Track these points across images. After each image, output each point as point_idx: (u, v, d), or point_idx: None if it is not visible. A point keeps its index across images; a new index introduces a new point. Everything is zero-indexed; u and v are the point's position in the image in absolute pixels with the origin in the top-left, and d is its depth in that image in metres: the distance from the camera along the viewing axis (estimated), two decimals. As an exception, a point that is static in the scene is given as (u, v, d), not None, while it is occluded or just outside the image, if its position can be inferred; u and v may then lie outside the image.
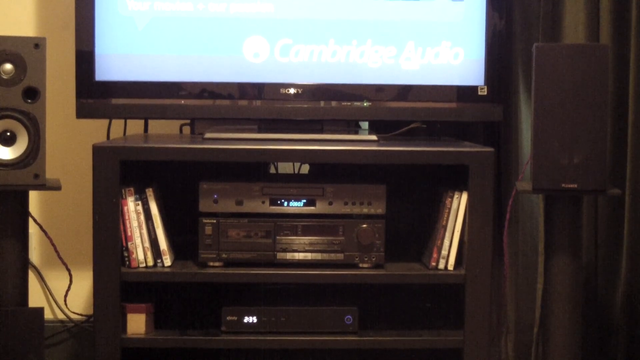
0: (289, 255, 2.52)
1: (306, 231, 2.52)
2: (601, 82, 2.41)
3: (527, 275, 2.90)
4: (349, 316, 2.53)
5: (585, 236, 2.79)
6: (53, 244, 2.65)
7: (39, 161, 2.42)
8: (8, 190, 2.43)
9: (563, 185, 2.42)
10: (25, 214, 2.49)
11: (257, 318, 2.51)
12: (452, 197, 2.51)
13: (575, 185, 2.42)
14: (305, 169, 2.95)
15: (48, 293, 3.10)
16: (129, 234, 2.48)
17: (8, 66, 2.41)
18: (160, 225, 2.50)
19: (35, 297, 3.00)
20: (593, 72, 2.40)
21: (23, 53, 2.41)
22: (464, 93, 2.72)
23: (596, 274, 2.86)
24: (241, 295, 2.62)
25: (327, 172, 2.78)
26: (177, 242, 2.61)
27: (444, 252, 2.52)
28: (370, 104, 2.71)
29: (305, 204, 2.53)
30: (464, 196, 2.49)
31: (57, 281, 3.06)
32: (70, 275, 2.74)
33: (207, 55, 2.69)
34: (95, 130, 2.91)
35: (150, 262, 2.50)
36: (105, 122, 2.87)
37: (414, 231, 2.77)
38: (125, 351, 2.49)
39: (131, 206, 2.48)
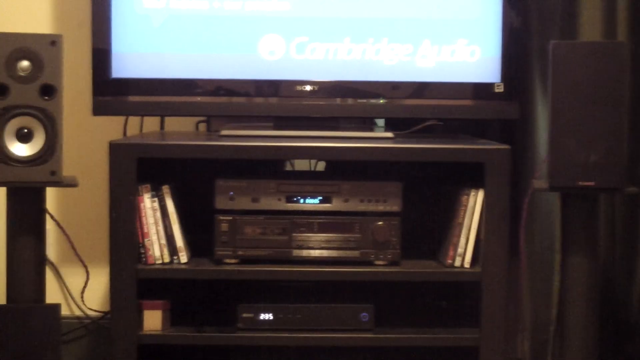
0: (305, 253, 2.52)
1: (322, 228, 2.52)
2: (618, 79, 2.40)
3: (543, 273, 2.89)
4: (365, 313, 2.53)
5: (602, 234, 2.78)
6: (70, 241, 2.67)
7: (55, 158, 2.43)
8: (25, 187, 2.44)
9: (580, 183, 2.41)
10: (42, 210, 2.50)
11: (273, 315, 2.52)
12: (468, 195, 2.50)
13: (592, 183, 2.41)
14: (321, 166, 2.95)
15: (65, 289, 3.11)
16: (145, 230, 2.48)
17: (25, 63, 2.42)
18: (177, 222, 2.51)
19: (52, 294, 3.01)
20: (610, 69, 2.40)
21: (40, 50, 2.42)
22: (480, 90, 2.71)
23: (613, 273, 2.84)
24: (257, 292, 2.62)
25: (343, 169, 2.77)
26: (193, 239, 2.61)
27: (460, 250, 2.52)
28: (386, 101, 2.70)
29: (321, 201, 2.53)
30: (480, 194, 2.49)
31: (74, 278, 3.07)
32: (87, 271, 2.75)
33: (223, 53, 2.69)
34: (112, 128, 2.92)
35: (167, 259, 2.51)
36: (122, 119, 2.88)
37: (430, 229, 2.76)
38: (141, 348, 2.49)
39: (147, 203, 2.48)
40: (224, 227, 2.50)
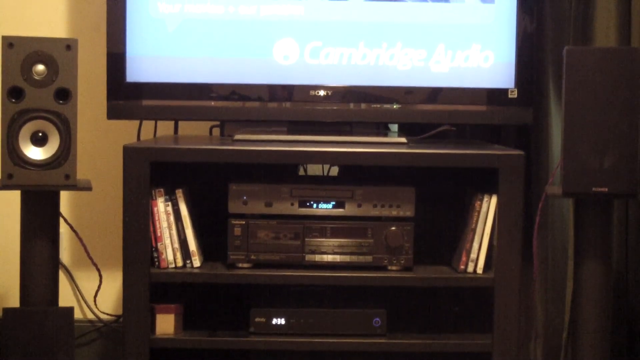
0: (318, 257, 2.52)
1: (335, 233, 2.52)
2: (632, 85, 2.39)
3: (556, 279, 2.88)
4: (377, 319, 2.53)
5: (615, 240, 2.77)
6: (83, 244, 2.67)
7: (70, 162, 2.44)
8: (39, 190, 2.45)
9: (593, 189, 2.41)
10: (56, 214, 2.51)
11: (285, 320, 2.52)
12: (481, 200, 2.50)
13: (606, 189, 2.41)
14: (334, 171, 2.95)
15: (78, 293, 3.12)
16: (159, 234, 2.49)
17: (40, 67, 2.43)
18: (190, 226, 2.51)
19: (66, 297, 3.02)
20: (624, 75, 2.39)
21: (55, 54, 2.43)
22: (494, 96, 2.71)
23: (626, 279, 2.84)
24: (270, 296, 2.62)
25: (356, 174, 2.77)
26: (206, 243, 2.62)
27: (473, 256, 2.51)
28: (399, 106, 2.70)
29: (334, 206, 2.53)
30: (494, 199, 2.49)
31: (87, 281, 3.08)
32: (100, 275, 2.75)
33: (237, 58, 2.69)
34: (126, 131, 2.93)
35: (180, 263, 2.51)
36: (136, 123, 2.89)
37: (443, 234, 2.76)
38: (154, 351, 2.50)
39: (161, 207, 2.49)
40: (237, 231, 2.50)
